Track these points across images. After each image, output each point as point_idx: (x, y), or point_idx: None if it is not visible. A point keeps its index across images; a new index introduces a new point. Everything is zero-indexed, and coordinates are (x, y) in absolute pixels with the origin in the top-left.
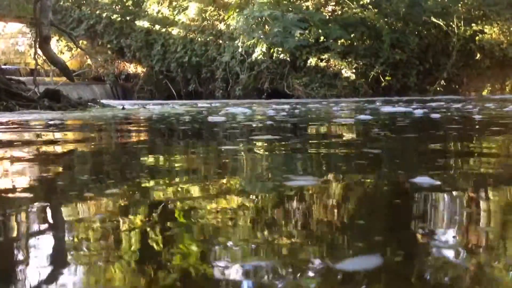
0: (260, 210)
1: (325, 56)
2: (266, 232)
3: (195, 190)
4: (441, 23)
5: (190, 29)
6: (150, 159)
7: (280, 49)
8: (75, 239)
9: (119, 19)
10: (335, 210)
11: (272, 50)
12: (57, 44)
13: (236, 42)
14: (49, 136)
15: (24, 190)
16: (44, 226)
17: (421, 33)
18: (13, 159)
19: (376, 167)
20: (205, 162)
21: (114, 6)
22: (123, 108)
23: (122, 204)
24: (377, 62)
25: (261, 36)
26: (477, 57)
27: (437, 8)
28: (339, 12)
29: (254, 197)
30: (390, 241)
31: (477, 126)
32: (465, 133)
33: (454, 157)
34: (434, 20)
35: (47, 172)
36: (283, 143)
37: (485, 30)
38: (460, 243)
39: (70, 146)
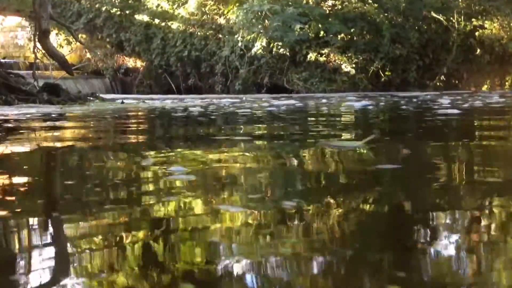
0: None
1: (325, 51)
2: None
3: None
4: (441, 18)
5: (189, 23)
6: None
7: (280, 43)
8: None
9: (118, 12)
10: None
11: (272, 45)
12: (56, 38)
13: (236, 36)
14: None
15: None
16: None
17: (421, 28)
18: None
19: None
20: None
21: (113, 0)
22: (122, 103)
23: None
24: (377, 57)
25: (261, 31)
26: (477, 53)
27: (437, 3)
28: (339, 6)
29: None
30: None
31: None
32: None
33: None
34: (434, 15)
35: None
36: None
37: (485, 25)
38: None
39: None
